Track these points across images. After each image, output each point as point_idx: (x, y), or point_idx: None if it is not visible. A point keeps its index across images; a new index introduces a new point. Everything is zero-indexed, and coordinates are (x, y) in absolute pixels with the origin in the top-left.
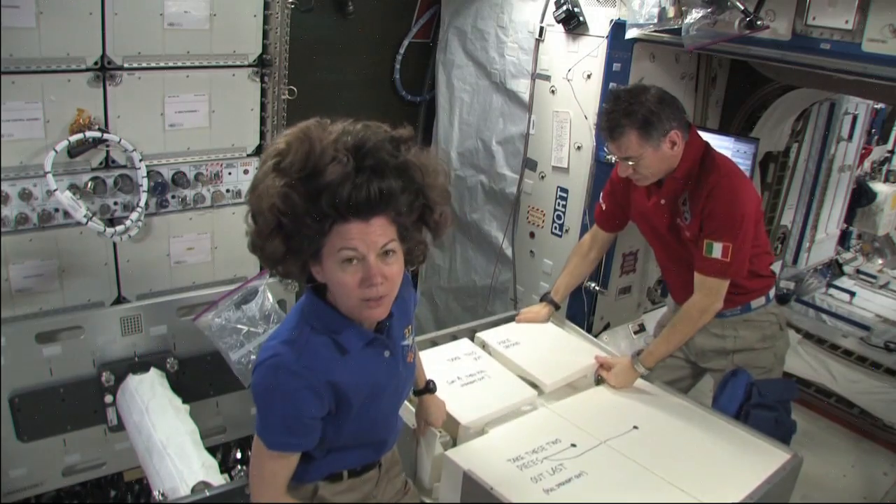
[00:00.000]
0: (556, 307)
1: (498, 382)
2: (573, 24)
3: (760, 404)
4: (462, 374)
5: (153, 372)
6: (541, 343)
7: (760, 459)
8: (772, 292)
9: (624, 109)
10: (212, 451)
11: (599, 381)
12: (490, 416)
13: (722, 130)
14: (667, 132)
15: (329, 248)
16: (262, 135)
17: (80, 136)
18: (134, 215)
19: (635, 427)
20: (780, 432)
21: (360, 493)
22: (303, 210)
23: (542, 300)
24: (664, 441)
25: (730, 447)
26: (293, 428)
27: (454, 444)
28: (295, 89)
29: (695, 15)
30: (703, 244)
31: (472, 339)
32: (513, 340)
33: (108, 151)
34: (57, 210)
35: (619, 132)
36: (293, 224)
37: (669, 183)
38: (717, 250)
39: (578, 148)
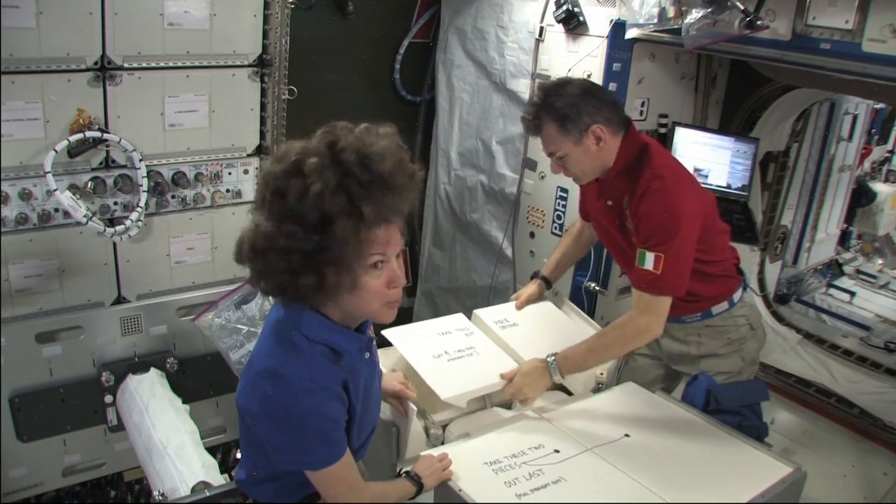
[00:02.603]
0: (548, 284)
1: (485, 360)
2: (573, 24)
3: (719, 410)
4: (450, 349)
5: (153, 372)
6: (539, 326)
7: (758, 472)
8: (736, 295)
9: (543, 102)
10: (212, 451)
11: (598, 388)
12: (471, 394)
13: (722, 130)
14: (587, 126)
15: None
16: (262, 135)
17: (80, 136)
18: (134, 215)
19: (626, 435)
20: (747, 436)
21: None
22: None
23: (532, 277)
24: (656, 450)
25: (727, 459)
26: (333, 437)
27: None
28: (295, 89)
29: (695, 15)
30: (637, 253)
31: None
32: (511, 321)
33: (108, 151)
34: (57, 210)
35: (536, 125)
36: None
37: (608, 183)
38: (650, 261)
39: None
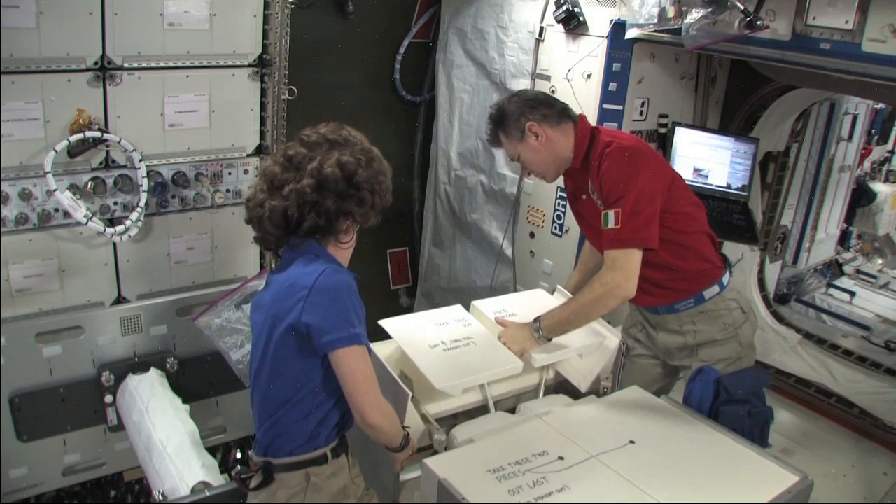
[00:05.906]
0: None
1: (483, 350)
2: (573, 24)
3: (730, 401)
4: (447, 339)
5: (153, 372)
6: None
7: (764, 481)
8: (725, 278)
9: (491, 117)
10: (212, 451)
11: (603, 392)
12: (467, 383)
13: (722, 130)
14: (523, 125)
15: None
16: (262, 135)
17: (80, 136)
18: (134, 215)
19: (631, 441)
20: (756, 423)
21: (342, 478)
22: None
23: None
24: (661, 458)
25: (733, 467)
26: (363, 316)
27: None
28: (295, 89)
29: (695, 15)
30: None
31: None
32: (509, 311)
33: (108, 151)
34: (57, 210)
35: (492, 137)
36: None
37: (577, 175)
38: (611, 219)
39: None
